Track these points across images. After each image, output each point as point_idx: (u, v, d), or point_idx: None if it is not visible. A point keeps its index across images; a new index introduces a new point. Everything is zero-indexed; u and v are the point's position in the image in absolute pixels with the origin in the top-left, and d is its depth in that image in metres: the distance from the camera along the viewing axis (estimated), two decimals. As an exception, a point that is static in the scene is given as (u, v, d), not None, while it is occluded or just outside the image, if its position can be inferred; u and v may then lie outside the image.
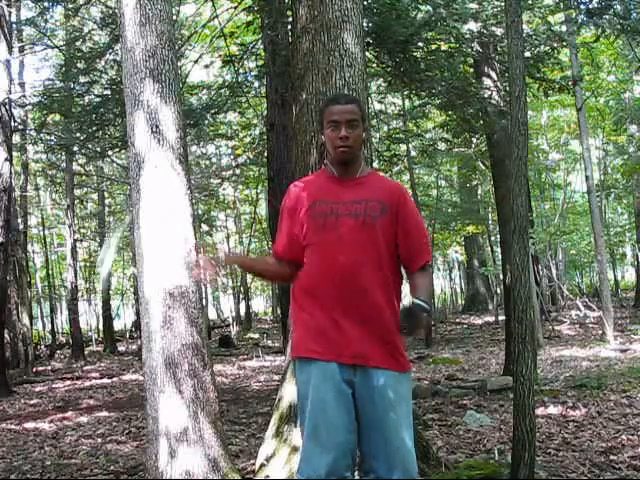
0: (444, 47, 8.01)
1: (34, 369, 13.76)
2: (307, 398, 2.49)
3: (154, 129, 4.05)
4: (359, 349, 2.49)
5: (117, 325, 23.98)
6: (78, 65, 10.15)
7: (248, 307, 24.84)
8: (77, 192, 19.07)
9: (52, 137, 12.10)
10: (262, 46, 8.92)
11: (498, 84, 8.37)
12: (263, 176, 14.81)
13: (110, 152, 12.59)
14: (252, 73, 10.22)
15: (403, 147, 14.46)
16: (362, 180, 2.65)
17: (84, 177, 19.55)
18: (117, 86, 8.63)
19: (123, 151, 12.92)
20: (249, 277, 21.80)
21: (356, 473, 2.49)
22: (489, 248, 20.71)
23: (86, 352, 17.17)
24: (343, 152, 2.58)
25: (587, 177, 12.40)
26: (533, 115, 20.04)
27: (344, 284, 2.50)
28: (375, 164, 11.23)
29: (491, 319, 18.20)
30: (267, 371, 11.61)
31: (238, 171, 17.59)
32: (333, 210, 2.55)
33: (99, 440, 6.29)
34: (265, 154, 10.16)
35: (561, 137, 21.79)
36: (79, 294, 19.43)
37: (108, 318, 19.58)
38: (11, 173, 10.96)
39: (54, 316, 22.66)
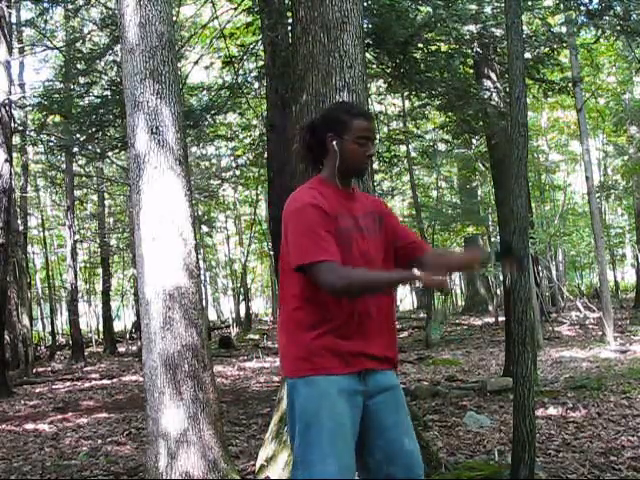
0: (444, 48, 8.00)
1: (34, 370, 13.76)
2: (320, 412, 2.34)
3: (154, 130, 4.05)
4: (375, 353, 2.44)
5: (117, 326, 23.98)
6: (78, 66, 10.18)
7: (248, 308, 24.84)
8: (77, 193, 19.07)
9: (52, 138, 12.12)
10: (262, 47, 8.92)
11: (498, 85, 8.37)
12: (263, 177, 14.83)
13: (110, 153, 12.61)
14: (252, 74, 10.23)
15: (403, 148, 14.47)
16: (355, 194, 2.64)
17: (84, 178, 19.55)
18: (117, 87, 8.63)
19: (123, 152, 12.94)
20: (249, 278, 21.82)
21: (356, 473, 2.47)
22: (489, 249, 20.71)
23: (86, 353, 17.17)
24: (366, 168, 2.63)
25: (587, 178, 12.40)
26: (533, 116, 20.05)
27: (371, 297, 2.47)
28: (375, 165, 11.26)
29: (491, 320, 18.19)
30: (267, 372, 11.60)
31: (238, 172, 17.59)
32: (353, 225, 2.50)
33: (99, 441, 6.29)
34: (265, 155, 10.16)
35: (561, 138, 21.81)
36: (79, 295, 19.42)
37: (108, 319, 19.59)
38: (11, 174, 10.96)
39: (54, 317, 22.66)
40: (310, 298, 2.41)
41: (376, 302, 2.47)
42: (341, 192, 2.54)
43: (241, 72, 9.91)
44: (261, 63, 9.38)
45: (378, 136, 10.78)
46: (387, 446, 2.43)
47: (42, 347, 20.07)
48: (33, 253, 23.83)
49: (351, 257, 2.40)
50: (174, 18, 7.02)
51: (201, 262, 21.34)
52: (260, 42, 8.91)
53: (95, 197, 21.27)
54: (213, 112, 10.11)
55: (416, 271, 2.28)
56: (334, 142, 2.52)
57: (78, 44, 12.78)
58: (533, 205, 17.00)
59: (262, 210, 23.28)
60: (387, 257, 2.56)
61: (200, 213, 19.68)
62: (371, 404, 2.44)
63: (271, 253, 19.45)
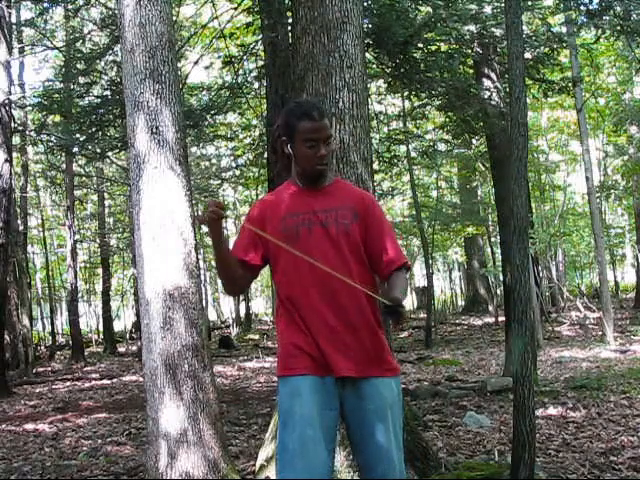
0: (444, 48, 8.01)
1: (34, 370, 13.76)
2: (292, 412, 2.40)
3: (154, 130, 4.05)
4: (351, 361, 2.44)
5: (117, 326, 23.98)
6: (78, 66, 10.17)
7: (248, 308, 24.86)
8: (77, 193, 19.07)
9: (52, 138, 12.11)
10: (262, 47, 8.92)
11: (498, 85, 8.37)
12: (263, 177, 14.80)
13: (110, 153, 12.61)
14: (252, 74, 10.22)
15: (403, 148, 14.47)
16: (330, 189, 2.62)
17: (84, 178, 19.56)
18: (117, 87, 8.64)
19: (123, 152, 12.95)
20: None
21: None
22: (489, 249, 20.72)
23: (86, 353, 17.18)
24: (321, 170, 2.56)
25: (587, 178, 12.40)
26: (533, 116, 20.05)
27: (323, 293, 2.46)
28: (375, 165, 11.26)
29: (491, 320, 18.20)
30: (267, 372, 11.60)
31: (238, 172, 17.59)
32: (305, 220, 2.52)
33: (99, 441, 6.29)
34: (265, 155, 10.16)
35: (561, 138, 21.81)
36: (79, 295, 19.42)
37: (108, 319, 19.60)
38: (11, 174, 10.97)
39: (54, 317, 22.66)
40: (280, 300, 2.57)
41: (340, 313, 2.46)
42: (303, 190, 2.59)
43: (241, 72, 9.91)
44: (261, 63, 9.38)
45: (377, 135, 10.77)
46: (367, 452, 2.46)
47: (42, 347, 20.06)
48: (33, 253, 23.84)
49: (299, 249, 2.46)
50: (174, 18, 7.02)
51: (201, 262, 21.35)
52: (260, 42, 8.90)
53: (95, 197, 21.28)
54: (213, 112, 10.11)
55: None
56: (288, 146, 2.56)
57: (78, 44, 12.79)
58: (533, 205, 17.00)
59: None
60: (354, 249, 2.52)
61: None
62: (348, 408, 2.46)
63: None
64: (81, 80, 10.11)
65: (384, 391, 2.47)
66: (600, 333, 12.26)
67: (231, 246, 2.59)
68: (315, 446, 2.36)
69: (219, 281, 29.83)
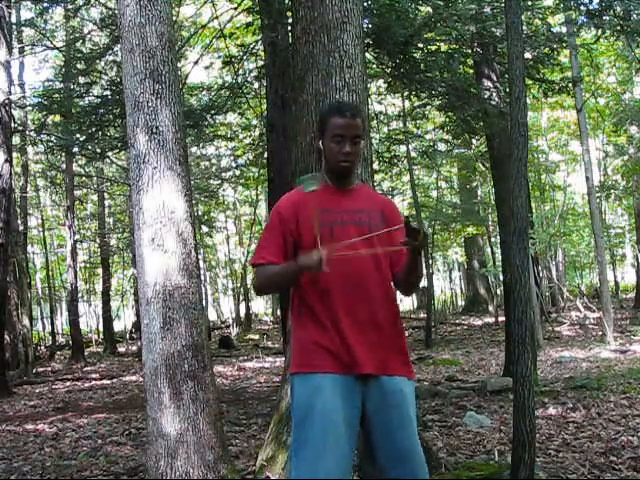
0: (444, 48, 8.01)
1: (34, 370, 13.76)
2: (313, 408, 2.38)
3: (154, 130, 4.05)
4: (376, 358, 2.45)
5: (117, 326, 23.98)
6: (78, 66, 10.17)
7: (248, 308, 24.87)
8: (77, 193, 19.07)
9: (52, 138, 12.11)
10: (262, 47, 8.92)
11: (498, 85, 8.37)
12: (263, 177, 14.82)
13: (110, 153, 12.60)
14: (252, 74, 10.22)
15: (403, 148, 14.47)
16: (357, 191, 2.66)
17: (84, 178, 19.56)
18: (117, 87, 8.63)
19: (123, 152, 12.95)
20: (249, 278, 21.81)
21: (356, 474, 2.48)
22: (489, 249, 20.72)
23: (86, 353, 17.17)
24: (345, 167, 2.57)
25: (587, 178, 12.41)
26: (533, 116, 20.06)
27: (355, 292, 2.46)
28: (375, 165, 11.26)
29: (491, 320, 18.20)
30: (267, 372, 11.61)
31: (238, 172, 17.60)
32: (338, 218, 2.53)
33: (99, 441, 6.29)
34: (265, 155, 10.16)
35: (561, 138, 21.80)
36: (79, 295, 19.42)
37: (108, 319, 19.59)
38: (11, 174, 10.97)
39: (54, 317, 22.66)
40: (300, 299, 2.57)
41: (368, 309, 2.48)
42: (332, 189, 2.61)
43: (241, 72, 9.91)
44: (261, 63, 9.38)
45: (376, 135, 10.77)
46: (393, 450, 2.43)
47: (42, 347, 20.05)
48: (33, 253, 23.83)
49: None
50: (174, 18, 7.02)
51: (201, 262, 21.36)
52: (260, 42, 8.90)
53: (95, 197, 21.28)
54: (213, 112, 10.11)
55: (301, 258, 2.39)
56: (320, 142, 2.61)
57: (78, 44, 12.79)
58: (533, 205, 16.99)
59: (262, 210, 23.28)
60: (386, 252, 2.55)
61: (200, 213, 19.68)
62: (371, 406, 2.44)
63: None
64: (81, 80, 10.10)
65: (405, 389, 2.48)
66: (600, 333, 12.26)
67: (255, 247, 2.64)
68: (338, 440, 2.33)
69: (220, 281, 29.69)
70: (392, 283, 2.61)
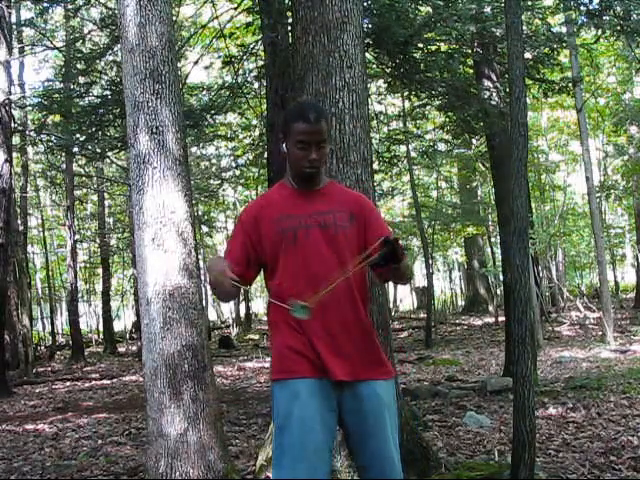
0: (444, 48, 8.00)
1: (34, 370, 13.76)
2: (291, 415, 2.38)
3: (154, 130, 4.05)
4: (347, 364, 2.44)
5: (117, 326, 23.98)
6: (78, 66, 10.17)
7: (248, 308, 24.85)
8: (77, 193, 19.07)
9: (52, 138, 12.11)
10: (262, 47, 8.91)
11: (498, 85, 8.37)
12: (263, 177, 14.80)
13: (110, 153, 12.61)
14: (252, 74, 10.22)
15: (403, 148, 14.47)
16: (325, 191, 2.60)
17: (84, 178, 19.56)
18: (117, 87, 8.63)
19: (123, 152, 12.94)
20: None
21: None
22: (489, 249, 20.72)
23: (86, 353, 17.18)
24: (310, 173, 2.53)
25: (587, 178, 12.40)
26: (533, 116, 20.05)
27: (323, 298, 2.40)
28: (375, 165, 11.25)
29: (491, 320, 18.20)
30: (267, 372, 11.59)
31: (238, 172, 17.59)
32: (302, 223, 2.49)
33: (99, 441, 6.29)
34: (265, 155, 10.15)
35: (561, 138, 21.80)
36: (79, 295, 19.43)
37: (108, 319, 19.59)
38: (11, 174, 10.97)
39: (54, 317, 22.66)
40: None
41: (335, 313, 2.45)
42: (297, 192, 2.57)
43: (241, 72, 9.90)
44: (261, 63, 9.37)
45: (376, 135, 10.77)
46: (366, 452, 2.46)
47: (42, 347, 20.06)
48: (33, 253, 23.83)
49: (297, 252, 2.46)
50: (174, 18, 7.02)
51: (201, 262, 21.33)
52: (260, 42, 8.89)
53: (95, 197, 21.28)
54: (213, 112, 10.10)
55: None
56: (284, 145, 2.56)
57: (78, 44, 12.79)
58: (533, 205, 16.99)
59: (262, 210, 23.22)
60: (352, 251, 2.49)
61: (200, 213, 19.68)
62: (346, 411, 2.45)
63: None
64: (81, 80, 10.11)
65: (380, 392, 2.48)
66: (600, 333, 12.26)
67: (222, 253, 2.58)
68: (316, 447, 2.36)
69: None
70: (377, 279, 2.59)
